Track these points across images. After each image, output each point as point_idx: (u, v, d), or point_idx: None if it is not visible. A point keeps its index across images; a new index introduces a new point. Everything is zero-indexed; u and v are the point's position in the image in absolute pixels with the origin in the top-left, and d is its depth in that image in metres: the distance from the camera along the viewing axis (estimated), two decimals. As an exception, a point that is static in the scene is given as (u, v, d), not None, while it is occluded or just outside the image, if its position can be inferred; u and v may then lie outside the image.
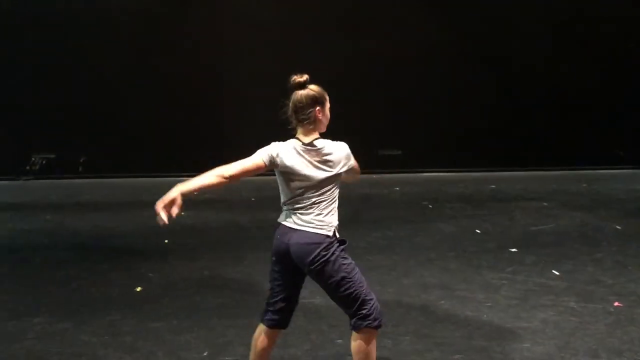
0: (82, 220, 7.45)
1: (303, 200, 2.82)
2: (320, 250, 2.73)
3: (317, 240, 2.74)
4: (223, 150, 11.08)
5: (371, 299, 2.83)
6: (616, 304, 4.27)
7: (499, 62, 11.18)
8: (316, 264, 2.74)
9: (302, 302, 4.37)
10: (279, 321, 2.96)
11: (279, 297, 2.93)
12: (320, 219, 2.78)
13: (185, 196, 2.75)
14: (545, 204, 8.28)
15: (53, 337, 3.82)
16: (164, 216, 2.68)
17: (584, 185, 9.94)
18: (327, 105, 2.98)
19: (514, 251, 5.75)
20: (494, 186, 9.90)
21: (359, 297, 2.78)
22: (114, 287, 4.82)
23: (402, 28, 10.88)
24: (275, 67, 10.88)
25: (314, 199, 2.80)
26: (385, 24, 10.99)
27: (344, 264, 2.79)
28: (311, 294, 4.53)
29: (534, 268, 5.18)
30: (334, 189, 2.86)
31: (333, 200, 2.85)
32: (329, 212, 2.82)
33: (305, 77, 2.95)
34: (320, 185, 2.81)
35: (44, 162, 10.88)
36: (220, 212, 7.84)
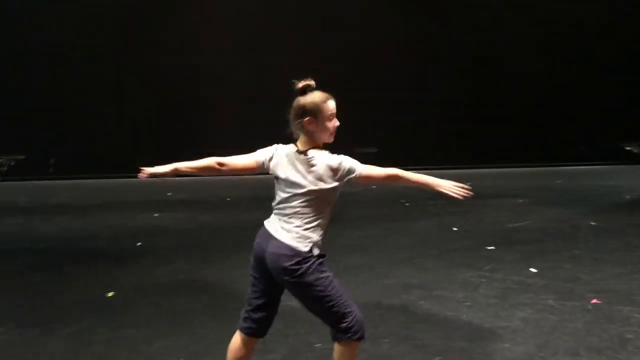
0: (52, 223, 7.25)
1: (288, 207, 2.69)
2: (293, 264, 2.61)
3: (291, 253, 2.61)
4: (197, 150, 10.96)
5: (351, 312, 2.68)
6: (594, 301, 4.26)
7: (471, 62, 11.23)
8: (289, 277, 2.63)
9: (280, 304, 4.31)
10: (257, 330, 2.86)
11: (256, 304, 2.82)
12: (300, 232, 2.64)
13: (178, 173, 2.81)
14: (520, 200, 8.32)
15: (19, 346, 3.66)
16: (148, 170, 2.82)
17: (558, 181, 10.04)
18: (325, 115, 2.72)
19: (492, 249, 5.73)
20: (470, 183, 9.90)
21: (338, 311, 2.66)
22: (85, 292, 4.67)
23: (375, 26, 10.85)
24: (248, 66, 10.81)
25: (298, 209, 2.66)
26: (362, 22, 10.95)
27: (320, 277, 2.64)
28: (288, 296, 4.44)
29: (511, 266, 5.16)
30: (323, 204, 2.67)
31: (319, 216, 2.65)
32: (312, 226, 2.64)
33: (306, 82, 2.76)
34: (306, 195, 2.65)
35: (12, 163, 10.61)
36: (196, 213, 7.70)
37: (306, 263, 2.62)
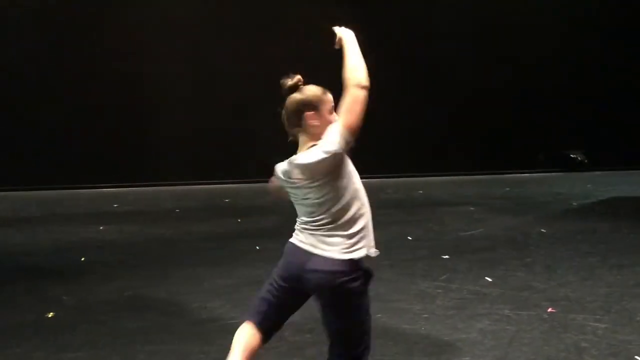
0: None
1: (309, 221, 2.48)
2: (349, 279, 2.39)
3: (345, 268, 2.40)
4: (142, 160, 10.67)
5: (368, 345, 2.50)
6: (550, 309, 4.27)
7: (425, 68, 11.33)
8: (340, 289, 2.41)
9: (232, 322, 4.13)
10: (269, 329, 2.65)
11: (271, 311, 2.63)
12: (346, 241, 2.40)
13: None
14: (472, 208, 8.39)
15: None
16: None
17: (507, 189, 10.20)
18: (327, 107, 2.49)
19: (447, 258, 5.71)
20: (421, 191, 9.98)
21: (360, 337, 2.47)
22: (23, 313, 4.37)
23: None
24: (194, 72, 10.56)
25: (317, 218, 2.44)
26: (315, 27, 10.88)
27: (366, 295, 2.50)
28: (242, 312, 4.28)
29: (467, 275, 5.14)
30: (339, 190, 2.40)
31: (335, 218, 2.40)
32: (349, 225, 2.40)
33: (295, 78, 2.54)
34: (307, 202, 2.44)
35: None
36: (142, 226, 7.41)
37: (358, 273, 2.40)
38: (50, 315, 4.28)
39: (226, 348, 3.69)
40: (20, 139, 10.08)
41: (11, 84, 9.99)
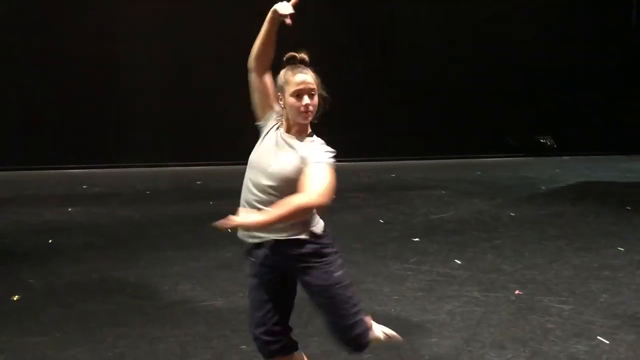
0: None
1: None
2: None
3: None
4: (112, 141, 10.49)
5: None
6: (517, 292, 4.34)
7: (396, 53, 11.34)
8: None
9: (203, 304, 4.12)
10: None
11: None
12: None
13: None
14: (443, 192, 8.47)
15: None
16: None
17: (478, 173, 10.31)
18: (290, 90, 2.42)
19: (417, 241, 5.77)
20: (394, 175, 10.03)
21: None
22: (-13, 296, 4.28)
23: (301, 19, 10.71)
24: (165, 51, 10.38)
25: None
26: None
27: None
28: (213, 295, 4.27)
29: (437, 257, 5.20)
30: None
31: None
32: None
33: (291, 54, 2.49)
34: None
35: None
36: (112, 208, 7.29)
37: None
38: (15, 299, 4.19)
39: (196, 330, 3.69)
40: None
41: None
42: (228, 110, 10.47)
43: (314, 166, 2.35)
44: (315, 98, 2.47)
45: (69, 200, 7.64)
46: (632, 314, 3.95)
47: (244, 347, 3.43)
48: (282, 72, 2.48)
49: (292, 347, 2.57)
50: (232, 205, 6.80)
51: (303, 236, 2.43)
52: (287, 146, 2.46)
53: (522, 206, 7.47)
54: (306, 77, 2.44)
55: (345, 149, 11.64)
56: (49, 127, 9.92)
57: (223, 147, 10.40)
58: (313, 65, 2.55)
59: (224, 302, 4.14)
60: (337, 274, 2.47)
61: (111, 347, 3.44)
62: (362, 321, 2.52)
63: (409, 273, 4.78)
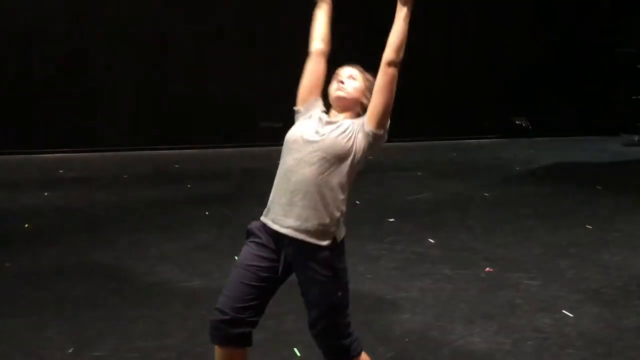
0: None
1: None
2: None
3: None
4: (89, 125, 10.38)
5: None
6: (487, 269, 4.47)
7: (373, 32, 11.35)
8: None
9: (180, 285, 4.18)
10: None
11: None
12: None
13: None
14: (419, 173, 8.58)
15: None
16: None
17: (454, 154, 10.45)
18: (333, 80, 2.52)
19: (392, 221, 5.87)
20: (371, 157, 10.10)
21: None
22: (-37, 280, 4.28)
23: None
24: (142, 33, 10.29)
25: None
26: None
27: None
28: (189, 276, 4.32)
29: (411, 237, 5.31)
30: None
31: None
32: None
33: None
34: None
35: None
36: (89, 191, 7.28)
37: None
38: (-8, 282, 4.21)
39: (173, 310, 3.75)
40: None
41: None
42: (208, 93, 10.45)
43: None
44: (355, 83, 2.49)
45: (45, 184, 7.60)
46: (596, 288, 4.10)
47: (220, 325, 3.49)
48: None
49: (248, 341, 2.38)
50: (209, 187, 7.01)
51: (325, 243, 2.32)
52: (331, 123, 2.40)
53: (495, 187, 7.61)
54: (350, 68, 2.54)
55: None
56: (24, 111, 9.81)
57: (201, 131, 10.38)
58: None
59: (201, 282, 4.20)
60: (339, 294, 2.36)
61: (88, 327, 3.48)
62: (351, 343, 2.40)
63: (384, 252, 4.88)
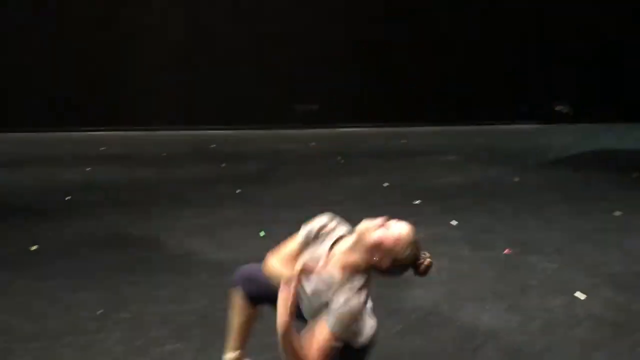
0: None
1: None
2: None
3: None
4: (132, 104, 10.75)
5: None
6: (507, 251, 4.52)
7: (409, 18, 11.31)
8: None
9: (206, 256, 4.39)
10: None
11: None
12: None
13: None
14: (451, 158, 8.58)
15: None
16: None
17: (489, 140, 10.37)
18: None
19: (417, 203, 5.94)
20: (405, 141, 10.15)
21: None
22: (8, 246, 4.61)
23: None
24: (182, 14, 10.54)
25: None
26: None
27: None
28: (216, 248, 4.53)
29: (434, 219, 5.37)
30: None
31: None
32: None
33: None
34: None
35: None
36: (128, 168, 7.60)
37: None
38: (33, 249, 4.52)
39: (197, 279, 3.96)
40: (7, 81, 10.13)
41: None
42: (245, 76, 10.65)
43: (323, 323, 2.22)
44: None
45: (88, 160, 7.97)
46: (613, 273, 4.10)
47: (239, 294, 3.69)
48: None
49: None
50: (242, 167, 7.18)
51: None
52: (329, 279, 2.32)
53: (526, 172, 7.55)
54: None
55: (357, 115, 11.73)
56: (70, 90, 10.22)
57: (237, 112, 10.60)
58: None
59: (226, 255, 4.40)
60: None
61: (117, 292, 3.73)
62: None
63: (405, 232, 4.97)
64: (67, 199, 5.99)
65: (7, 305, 3.55)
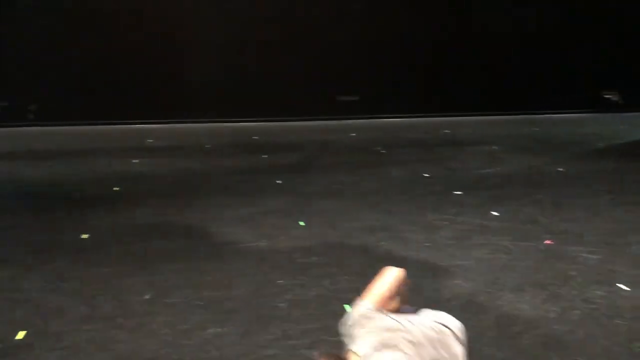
0: (34, 168, 7.36)
1: None
2: None
3: None
4: (177, 98, 11.00)
5: None
6: (547, 241, 4.48)
7: (455, 8, 11.18)
8: None
9: (248, 245, 4.51)
10: None
11: None
12: None
13: None
14: (495, 147, 8.49)
15: (-3, 283, 3.85)
16: None
17: (537, 129, 10.20)
18: None
19: (459, 194, 5.92)
20: (448, 131, 10.08)
21: None
22: (62, 234, 4.82)
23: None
24: (225, 9, 10.70)
25: None
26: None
27: None
28: (257, 237, 4.64)
29: (475, 209, 5.36)
30: None
31: None
32: None
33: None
34: None
35: (-6, 110, 10.58)
36: (174, 159, 7.81)
37: None
38: (85, 237, 4.73)
39: (240, 266, 4.08)
40: (62, 78, 10.52)
41: (51, 25, 10.35)
42: (286, 69, 10.75)
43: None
44: None
45: (135, 152, 8.23)
46: (659, 264, 4.02)
47: (280, 281, 3.79)
48: None
49: None
50: (284, 158, 7.34)
51: None
52: None
53: (573, 162, 7.42)
54: None
55: (400, 105, 11.68)
56: (119, 85, 10.54)
57: (281, 105, 10.73)
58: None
59: (267, 243, 4.51)
60: None
61: (164, 278, 3.88)
62: None
63: (445, 223, 4.98)
64: (115, 189, 6.21)
65: (62, 289, 3.74)
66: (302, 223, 4.98)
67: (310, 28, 10.65)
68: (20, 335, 3.15)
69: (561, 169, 7.00)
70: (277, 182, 6.45)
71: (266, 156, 7.93)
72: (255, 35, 10.72)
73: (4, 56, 10.32)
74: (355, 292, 3.61)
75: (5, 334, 3.16)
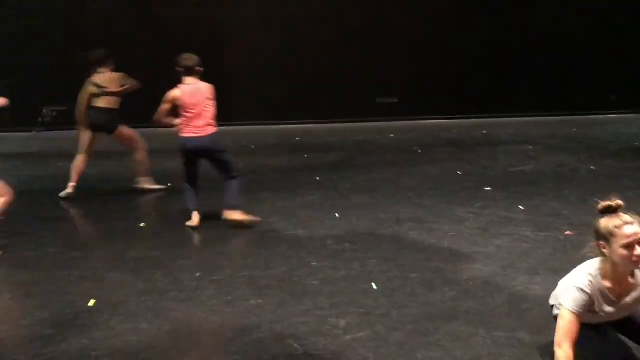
0: (91, 166, 7.96)
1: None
2: None
3: None
4: (224, 101, 11.50)
5: None
6: (567, 233, 4.73)
7: (490, 10, 11.36)
8: None
9: (285, 233, 4.94)
10: None
11: None
12: None
13: None
14: (530, 147, 8.68)
15: (65, 262, 4.39)
16: None
17: (573, 129, 10.29)
18: (618, 242, 2.60)
19: (488, 190, 6.20)
20: (485, 132, 10.28)
21: None
22: (120, 223, 5.37)
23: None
24: (268, 13, 11.19)
25: None
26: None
27: None
28: (294, 227, 5.07)
29: (502, 204, 5.63)
30: None
31: None
32: None
33: (607, 204, 2.79)
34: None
35: (54, 114, 11.32)
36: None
37: None
38: (142, 225, 5.26)
39: (278, 251, 4.51)
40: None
41: (111, 33, 11.06)
42: (328, 72, 11.16)
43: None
44: None
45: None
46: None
47: (314, 263, 4.20)
48: (607, 223, 2.72)
49: None
50: (323, 157, 7.85)
51: None
52: None
53: (605, 161, 7.56)
54: (634, 228, 2.62)
55: (440, 107, 11.87)
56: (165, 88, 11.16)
57: (322, 107, 11.14)
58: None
59: (304, 232, 4.93)
60: None
61: (211, 260, 4.35)
62: None
63: (471, 216, 5.29)
64: (168, 185, 6.75)
65: (124, 268, 4.25)
66: (337, 215, 5.38)
67: (350, 33, 11.03)
68: (91, 302, 3.67)
69: (592, 167, 7.17)
70: (316, 179, 6.87)
71: (307, 156, 8.36)
72: (297, 40, 11.16)
73: (65, 64, 11.06)
74: (382, 273, 4.00)
75: (79, 302, 3.68)
